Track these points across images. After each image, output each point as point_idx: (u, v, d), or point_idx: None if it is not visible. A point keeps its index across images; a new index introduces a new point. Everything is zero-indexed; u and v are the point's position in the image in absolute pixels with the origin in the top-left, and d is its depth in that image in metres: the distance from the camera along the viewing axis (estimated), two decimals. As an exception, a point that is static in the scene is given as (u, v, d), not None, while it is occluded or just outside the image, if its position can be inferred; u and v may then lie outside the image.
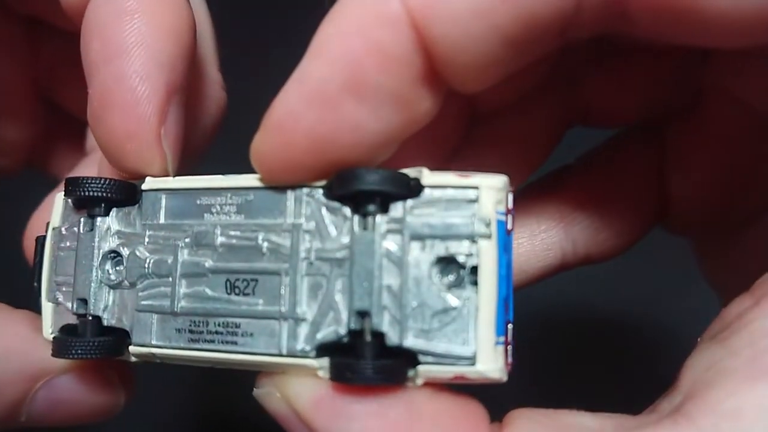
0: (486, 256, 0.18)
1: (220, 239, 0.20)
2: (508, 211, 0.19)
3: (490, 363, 0.18)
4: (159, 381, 0.35)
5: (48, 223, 0.23)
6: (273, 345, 0.19)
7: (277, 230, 0.20)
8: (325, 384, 0.19)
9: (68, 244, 0.22)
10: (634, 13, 0.17)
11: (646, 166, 0.26)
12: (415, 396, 0.18)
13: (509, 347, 0.18)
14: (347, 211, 0.19)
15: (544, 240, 0.26)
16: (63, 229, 0.23)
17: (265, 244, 0.20)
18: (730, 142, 0.24)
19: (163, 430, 0.44)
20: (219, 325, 0.20)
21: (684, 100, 0.25)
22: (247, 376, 0.21)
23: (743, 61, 0.23)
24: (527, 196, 0.27)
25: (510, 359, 0.18)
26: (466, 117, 0.24)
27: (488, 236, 0.18)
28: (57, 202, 0.23)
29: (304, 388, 0.19)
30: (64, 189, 0.22)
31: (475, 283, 0.18)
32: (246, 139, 0.20)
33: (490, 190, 0.18)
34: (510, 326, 0.18)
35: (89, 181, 0.22)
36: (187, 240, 0.21)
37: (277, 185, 0.20)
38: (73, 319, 0.22)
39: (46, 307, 0.23)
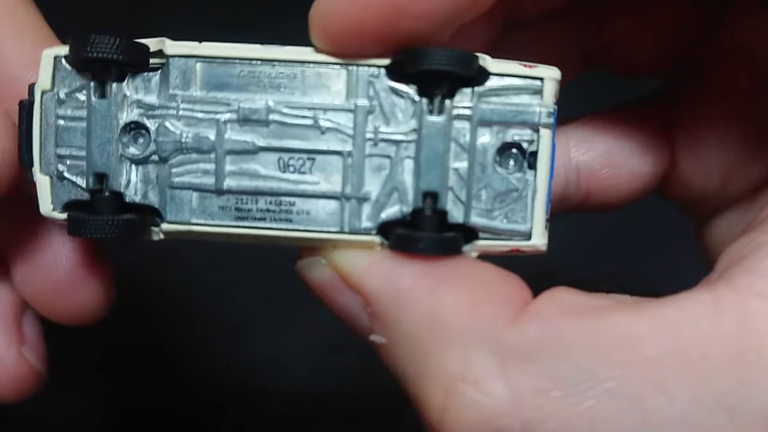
0: (545, 143, 0.20)
1: (271, 116, 0.20)
2: (556, 101, 0.20)
3: (541, 238, 0.20)
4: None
5: (32, 86, 0.20)
6: (334, 223, 0.20)
7: (337, 109, 0.20)
8: (378, 253, 0.20)
9: (70, 112, 0.20)
10: None
11: (657, 120, 0.26)
12: (460, 261, 0.20)
13: (548, 222, 0.21)
14: (414, 94, 0.20)
15: None
16: (61, 93, 0.20)
17: (327, 124, 0.20)
18: (743, 102, 0.25)
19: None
20: (270, 203, 0.20)
21: (700, 55, 0.26)
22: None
23: (761, 20, 0.24)
24: None
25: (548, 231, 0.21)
26: (498, 23, 0.24)
27: (549, 126, 0.20)
28: (45, 60, 0.20)
29: (357, 255, 0.20)
30: (69, 50, 0.19)
31: (532, 167, 0.20)
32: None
33: (552, 81, 0.20)
34: (550, 203, 0.21)
35: (100, 41, 0.19)
36: (230, 115, 0.20)
37: (335, 59, 0.20)
38: (79, 194, 0.20)
39: (42, 180, 0.20)
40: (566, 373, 0.17)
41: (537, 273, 0.21)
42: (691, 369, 0.17)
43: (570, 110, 0.26)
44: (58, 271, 0.23)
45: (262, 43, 0.20)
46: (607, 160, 0.27)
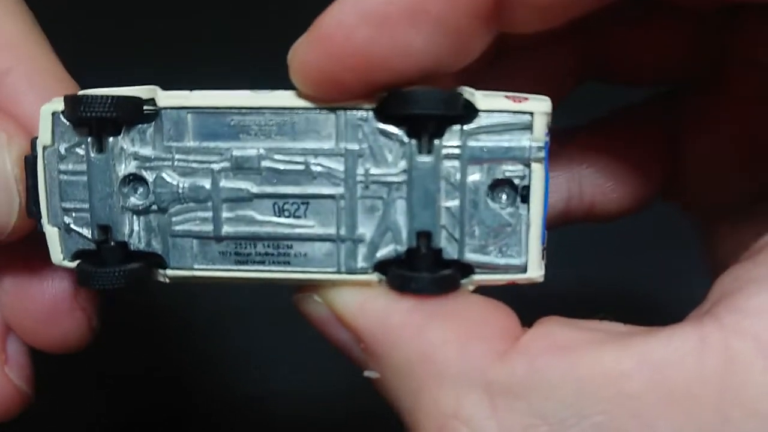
0: (537, 177, 0.20)
1: (263, 163, 0.20)
2: (548, 132, 0.20)
3: (538, 270, 0.20)
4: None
5: (34, 140, 0.21)
6: (330, 264, 0.20)
7: (327, 154, 0.20)
8: (371, 290, 0.20)
9: (72, 167, 0.20)
10: None
11: (660, 129, 0.26)
12: (451, 295, 0.20)
13: (545, 251, 0.21)
14: (402, 135, 0.20)
15: (552, 178, 0.25)
16: (61, 149, 0.20)
17: (318, 168, 0.20)
18: (751, 111, 0.24)
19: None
20: (269, 246, 0.20)
21: (705, 64, 0.25)
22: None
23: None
24: None
25: (545, 261, 0.21)
26: (492, 51, 0.24)
27: (540, 160, 0.20)
28: (43, 116, 0.20)
29: (350, 293, 0.20)
30: (64, 108, 0.20)
31: (525, 201, 0.20)
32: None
33: (542, 115, 0.19)
34: (546, 233, 0.21)
35: (93, 100, 0.19)
36: (224, 163, 0.20)
37: (322, 105, 0.20)
38: (86, 244, 0.21)
39: (51, 232, 0.21)
40: (553, 409, 0.18)
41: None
42: (675, 406, 0.17)
43: (569, 116, 0.25)
44: (42, 301, 0.24)
45: (251, 87, 0.20)
46: (610, 172, 0.26)
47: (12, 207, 0.21)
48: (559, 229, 0.26)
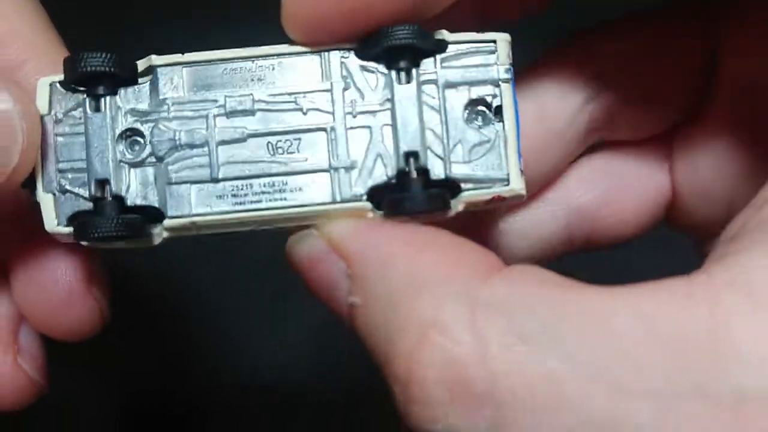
0: (507, 95, 0.22)
1: (256, 104, 0.21)
2: (511, 61, 0.22)
3: (519, 182, 0.22)
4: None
5: None
6: (326, 194, 0.21)
7: (315, 91, 0.22)
8: (366, 220, 0.21)
9: (68, 129, 0.21)
10: None
11: (655, 150, 0.27)
12: (442, 233, 0.21)
13: (523, 173, 0.22)
14: (382, 68, 0.22)
15: (548, 208, 0.26)
16: (58, 114, 0.21)
17: (308, 105, 0.21)
18: (744, 130, 0.25)
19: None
20: (264, 185, 0.21)
21: (699, 93, 0.26)
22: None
23: (760, 50, 0.24)
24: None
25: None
26: (474, 20, 0.26)
27: (508, 81, 0.22)
28: (41, 88, 0.22)
29: (345, 222, 0.21)
30: (63, 70, 0.21)
31: (499, 120, 0.22)
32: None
33: (504, 42, 0.22)
34: (521, 156, 0.22)
35: (91, 56, 0.21)
36: (218, 109, 0.21)
37: (307, 49, 0.22)
38: (82, 204, 0.21)
39: (46, 198, 0.21)
40: (533, 331, 0.17)
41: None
42: (665, 350, 0.16)
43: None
44: (56, 289, 0.23)
45: (241, 46, 0.22)
46: (607, 199, 0.26)
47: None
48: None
